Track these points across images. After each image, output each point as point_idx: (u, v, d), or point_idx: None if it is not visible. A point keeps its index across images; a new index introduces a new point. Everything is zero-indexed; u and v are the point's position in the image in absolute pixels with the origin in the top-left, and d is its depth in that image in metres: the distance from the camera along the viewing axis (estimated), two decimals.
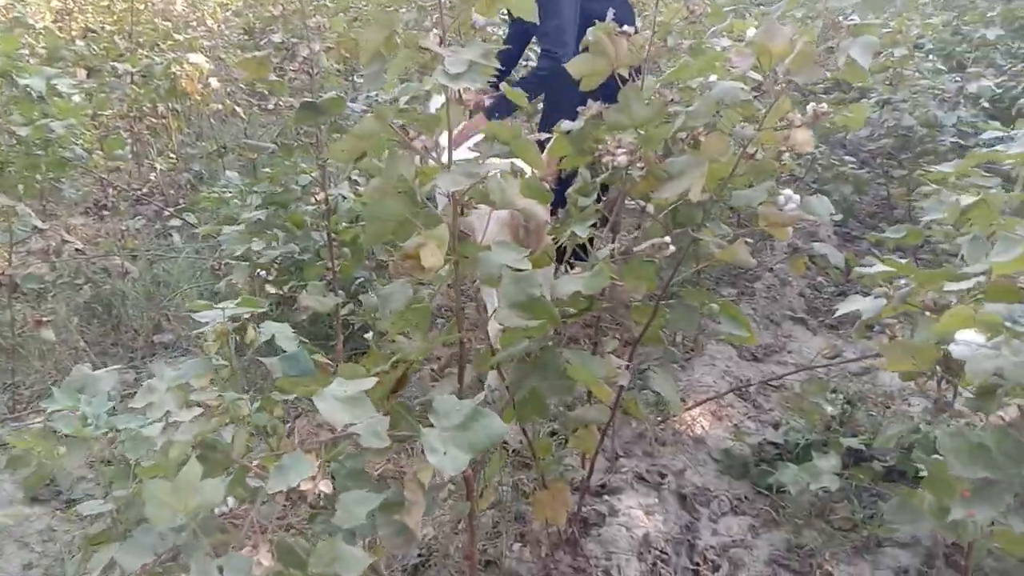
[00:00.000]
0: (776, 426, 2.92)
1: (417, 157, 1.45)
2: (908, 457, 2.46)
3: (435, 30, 1.44)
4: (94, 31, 4.81)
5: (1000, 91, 4.80)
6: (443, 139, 1.54)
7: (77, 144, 2.79)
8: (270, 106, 2.39)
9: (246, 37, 6.38)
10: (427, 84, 1.42)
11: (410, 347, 1.48)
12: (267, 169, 3.86)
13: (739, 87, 1.70)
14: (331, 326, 3.06)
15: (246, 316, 1.50)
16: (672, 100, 1.86)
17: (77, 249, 3.29)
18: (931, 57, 4.72)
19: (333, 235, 2.64)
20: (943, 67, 4.54)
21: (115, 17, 4.87)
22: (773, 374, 3.31)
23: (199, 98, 4.32)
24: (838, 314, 1.65)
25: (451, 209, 1.52)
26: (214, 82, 4.29)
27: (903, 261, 2.08)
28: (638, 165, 1.82)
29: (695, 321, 1.90)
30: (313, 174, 2.81)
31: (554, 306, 1.58)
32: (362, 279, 2.93)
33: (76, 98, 3.06)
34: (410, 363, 1.49)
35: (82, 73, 4.48)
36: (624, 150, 1.80)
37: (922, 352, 1.65)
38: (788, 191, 1.73)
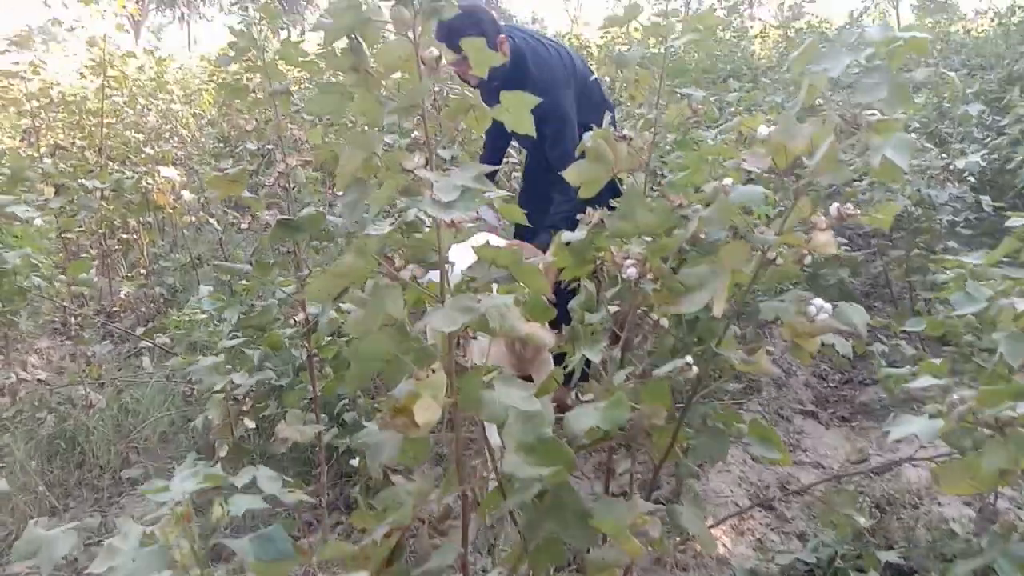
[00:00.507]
0: (801, 537, 2.70)
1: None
2: (951, 570, 2.25)
3: (419, 152, 1.29)
4: (63, 147, 4.68)
5: (984, 164, 4.76)
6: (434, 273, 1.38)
7: (36, 273, 2.61)
8: (244, 224, 2.22)
9: (221, 145, 6.30)
10: (410, 215, 1.25)
11: (402, 513, 1.27)
12: (244, 281, 3.68)
13: (761, 191, 1.56)
14: (313, 451, 2.83)
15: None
16: (680, 204, 1.71)
17: (39, 380, 3.07)
18: (915, 135, 4.68)
19: (314, 354, 2.45)
20: (929, 144, 4.49)
21: (85, 132, 4.76)
22: (791, 476, 3.10)
23: (172, 211, 4.17)
24: (891, 439, 1.46)
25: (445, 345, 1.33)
26: (186, 194, 4.15)
27: (937, 361, 1.91)
28: (648, 277, 1.66)
29: (725, 447, 1.71)
30: (288, 289, 2.64)
31: (567, 444, 1.39)
32: (346, 399, 2.72)
33: (38, 221, 2.90)
34: (405, 528, 1.28)
35: (49, 191, 4.33)
36: (633, 261, 1.64)
37: (984, 475, 1.46)
38: (819, 300, 1.57)
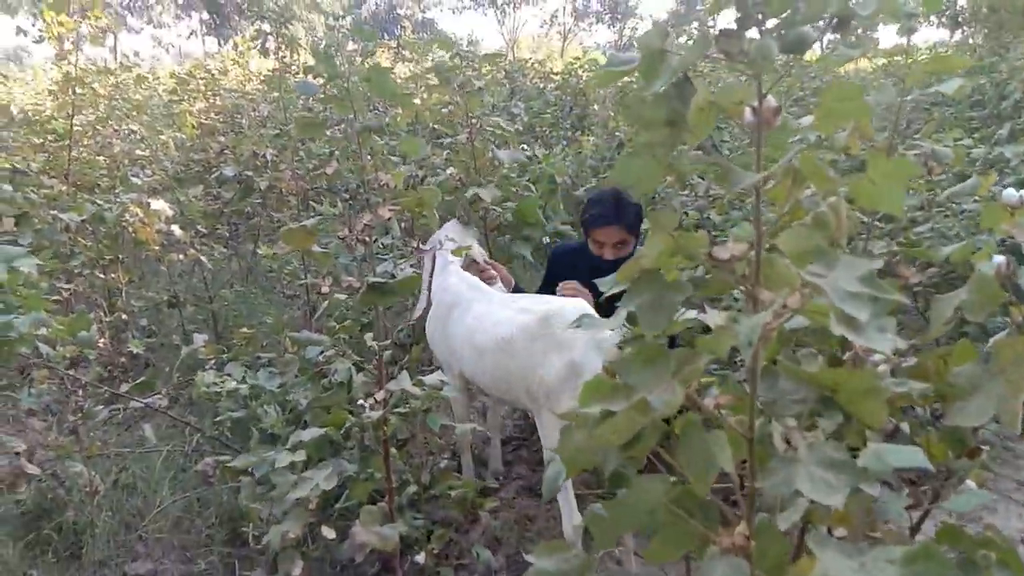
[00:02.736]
0: None
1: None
2: None
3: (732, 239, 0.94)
4: (23, 171, 4.13)
5: None
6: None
7: (40, 336, 2.15)
8: (324, 288, 1.83)
9: (182, 169, 5.76)
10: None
11: None
12: (244, 329, 3.26)
13: None
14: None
15: None
16: (919, 283, 1.40)
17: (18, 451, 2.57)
18: None
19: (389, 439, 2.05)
20: None
21: (49, 155, 4.22)
22: None
23: (157, 248, 3.68)
24: None
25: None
26: (176, 230, 3.67)
27: None
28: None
29: None
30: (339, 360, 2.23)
31: None
32: (412, 487, 2.32)
33: (25, 267, 2.42)
34: None
35: (8, 222, 3.80)
36: (883, 356, 1.32)
37: None
38: None
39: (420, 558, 2.31)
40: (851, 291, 0.80)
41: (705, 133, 0.94)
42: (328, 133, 1.96)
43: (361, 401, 2.05)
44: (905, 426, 1.44)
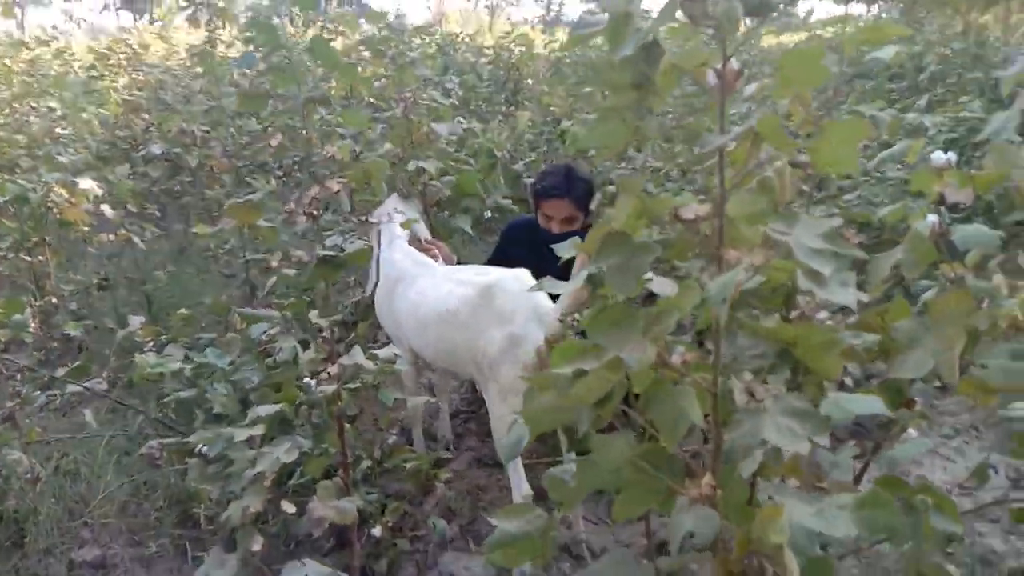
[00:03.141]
0: None
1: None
2: None
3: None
4: None
5: None
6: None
7: None
8: (273, 262, 1.81)
9: (107, 147, 5.56)
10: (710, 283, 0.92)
11: None
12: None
13: (995, 235, 1.34)
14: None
15: None
16: (861, 243, 1.47)
17: None
18: None
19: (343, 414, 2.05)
20: None
21: None
22: None
23: (86, 228, 3.56)
24: None
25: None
26: (107, 209, 3.55)
27: None
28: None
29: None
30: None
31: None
32: (365, 462, 2.32)
33: None
34: None
35: None
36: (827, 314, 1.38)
37: None
38: None
39: (376, 531, 2.32)
40: (815, 248, 0.84)
41: (668, 96, 0.96)
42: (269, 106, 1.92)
43: (308, 378, 2.05)
44: (849, 381, 1.52)
